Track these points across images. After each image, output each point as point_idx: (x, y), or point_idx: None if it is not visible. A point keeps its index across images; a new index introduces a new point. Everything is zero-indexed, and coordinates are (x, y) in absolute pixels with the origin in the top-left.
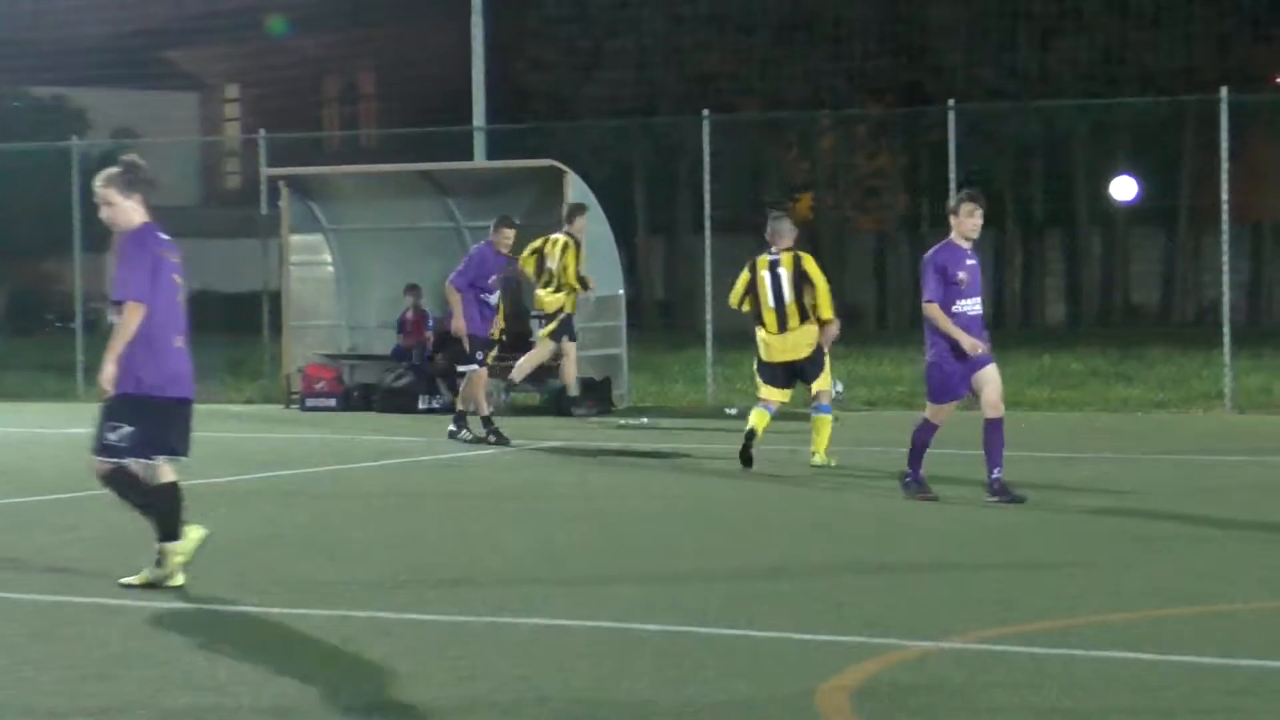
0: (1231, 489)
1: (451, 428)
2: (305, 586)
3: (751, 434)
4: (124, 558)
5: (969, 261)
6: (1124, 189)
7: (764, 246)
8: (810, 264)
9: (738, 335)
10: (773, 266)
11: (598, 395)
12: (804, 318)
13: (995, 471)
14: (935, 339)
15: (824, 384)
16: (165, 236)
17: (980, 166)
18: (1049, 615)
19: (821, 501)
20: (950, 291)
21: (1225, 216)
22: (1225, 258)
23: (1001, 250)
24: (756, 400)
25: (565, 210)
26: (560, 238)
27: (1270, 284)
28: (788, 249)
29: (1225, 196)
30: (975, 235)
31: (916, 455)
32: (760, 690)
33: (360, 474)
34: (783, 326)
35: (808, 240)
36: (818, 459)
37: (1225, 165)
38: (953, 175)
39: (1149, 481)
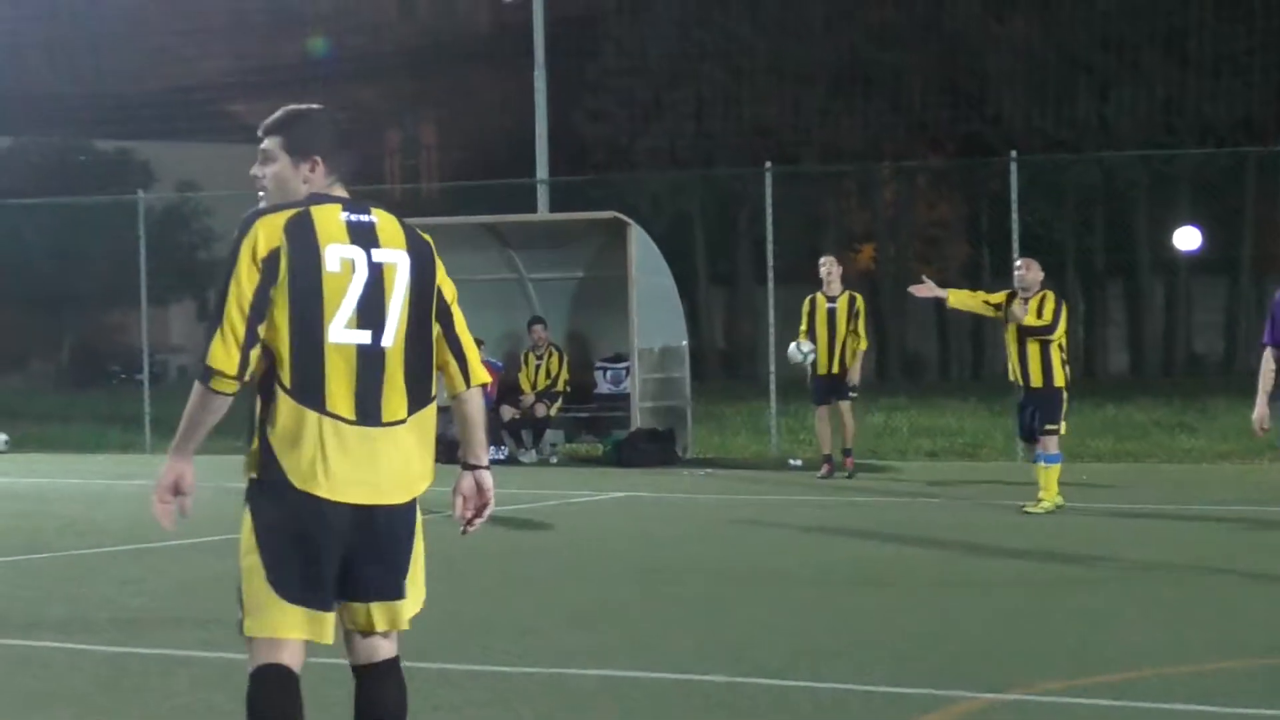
0: None
1: None
2: None
3: None
4: (190, 609)
5: None
6: (1186, 239)
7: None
8: None
9: (800, 386)
10: None
11: (661, 446)
12: None
13: None
14: None
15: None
16: None
17: (1041, 216)
18: (1112, 668)
19: (880, 553)
20: None
21: None
22: None
23: (1062, 300)
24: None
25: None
26: None
27: None
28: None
29: None
30: None
31: None
32: None
33: (424, 525)
34: None
35: (869, 290)
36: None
37: None
38: (1015, 225)
39: (1212, 533)
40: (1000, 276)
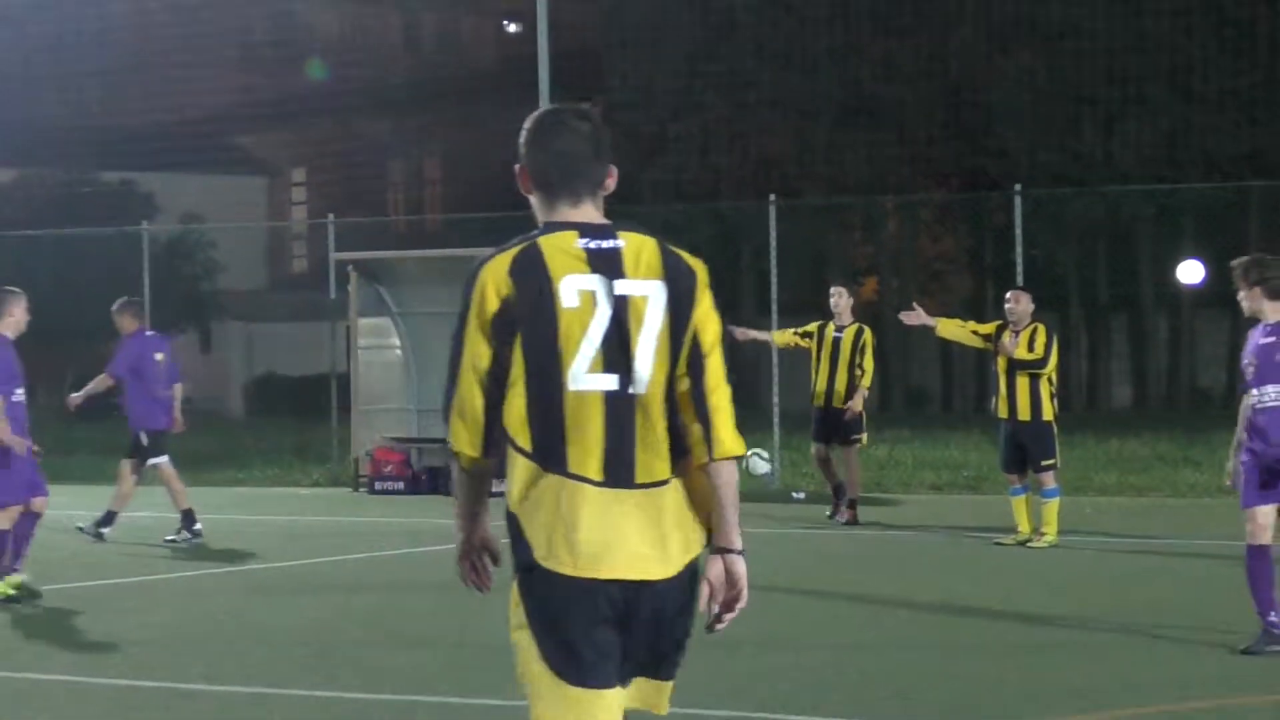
0: None
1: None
2: (376, 671)
3: None
4: (194, 643)
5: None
6: (1190, 273)
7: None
8: None
9: (803, 418)
10: None
11: None
12: None
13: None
14: None
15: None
16: None
17: (1045, 250)
18: (1120, 703)
19: (884, 587)
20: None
21: None
22: None
23: (1066, 334)
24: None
25: None
26: None
27: None
28: None
29: None
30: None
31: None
32: None
33: (430, 557)
34: None
35: (873, 323)
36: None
37: None
38: (1019, 259)
39: (1216, 568)
40: (1001, 311)
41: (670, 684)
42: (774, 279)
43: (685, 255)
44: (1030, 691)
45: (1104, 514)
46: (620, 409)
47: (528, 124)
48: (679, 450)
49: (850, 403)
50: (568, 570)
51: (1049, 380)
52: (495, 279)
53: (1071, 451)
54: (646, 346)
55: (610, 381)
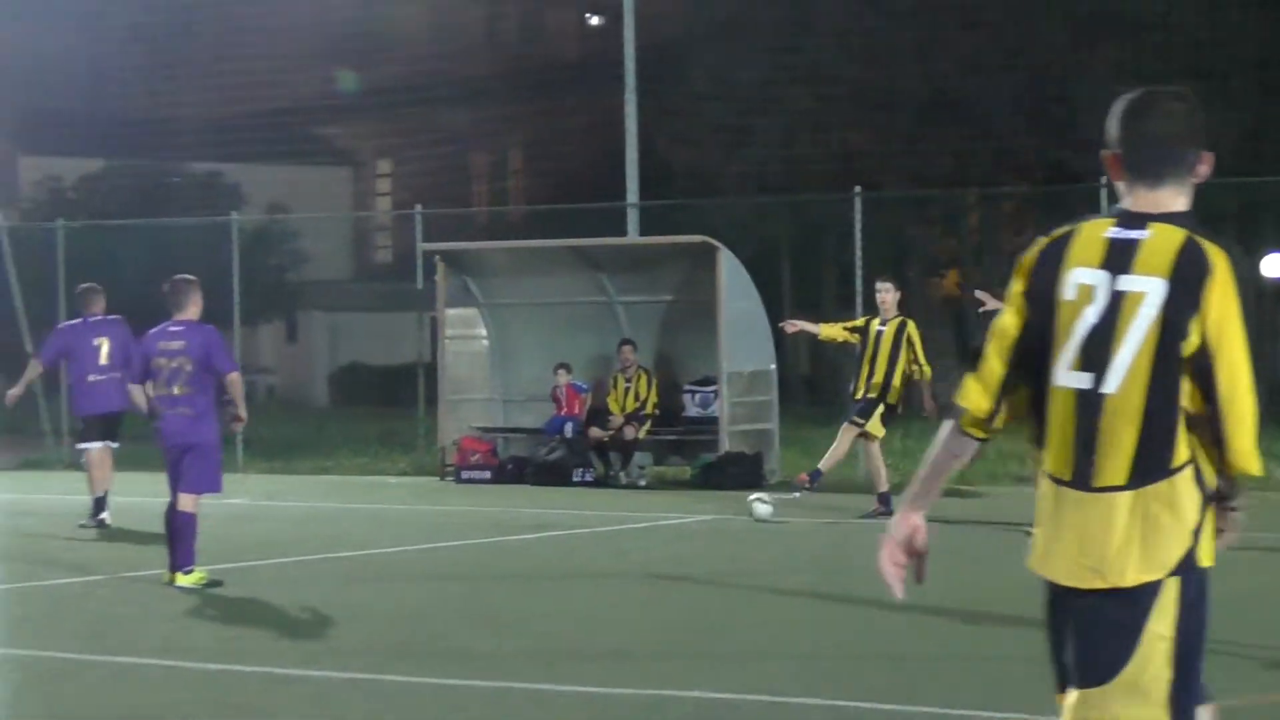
0: None
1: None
2: (464, 657)
3: None
4: (287, 629)
5: None
6: (1275, 266)
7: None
8: None
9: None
10: None
11: (749, 469)
12: None
13: None
14: None
15: None
16: None
17: None
18: None
19: (966, 575)
20: None
21: None
22: None
23: None
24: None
25: None
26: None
27: None
28: None
29: None
30: None
31: None
32: None
33: (516, 546)
34: None
35: (954, 317)
36: None
37: None
38: None
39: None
40: None
41: (1090, 691)
42: (859, 271)
43: (1210, 248)
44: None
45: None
46: (1088, 408)
47: (1117, 106)
48: (1154, 459)
49: (889, 391)
50: (1032, 565)
51: None
52: (1029, 259)
53: None
54: (1129, 347)
55: (1085, 380)
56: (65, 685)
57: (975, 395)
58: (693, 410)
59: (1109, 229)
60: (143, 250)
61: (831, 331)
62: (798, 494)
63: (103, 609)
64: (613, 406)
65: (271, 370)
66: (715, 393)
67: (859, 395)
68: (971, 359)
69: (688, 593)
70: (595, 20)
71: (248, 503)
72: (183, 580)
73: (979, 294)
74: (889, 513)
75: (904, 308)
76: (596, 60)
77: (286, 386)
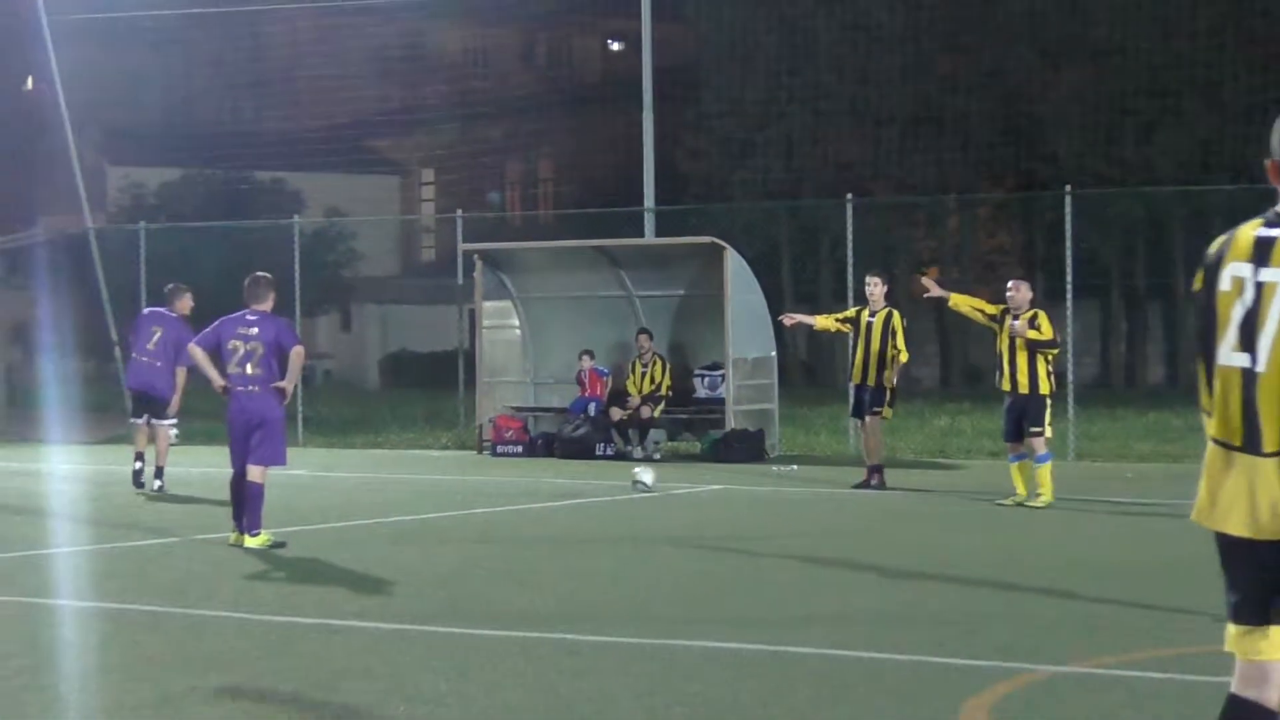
0: None
1: (160, 483)
2: (499, 611)
3: None
4: (344, 585)
5: None
6: None
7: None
8: None
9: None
10: None
11: (752, 445)
12: None
13: None
14: None
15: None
16: None
17: (1090, 244)
18: (1165, 643)
19: (947, 539)
20: None
21: None
22: None
23: (1108, 319)
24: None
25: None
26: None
27: None
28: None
29: None
30: None
31: None
32: (907, 709)
33: (545, 513)
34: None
35: (935, 310)
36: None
37: None
38: (1069, 252)
39: None
40: (1052, 299)
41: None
42: (850, 269)
43: None
44: (1083, 631)
45: (1143, 479)
46: (1250, 385)
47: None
48: None
49: (887, 372)
50: (1207, 523)
51: (1047, 359)
52: (1205, 260)
53: (1113, 423)
54: (1269, 331)
55: (1244, 359)
56: (148, 635)
57: (1203, 397)
58: (702, 392)
59: (1258, 229)
60: (216, 249)
61: (826, 323)
62: (794, 467)
63: (181, 567)
64: (631, 389)
65: (329, 356)
66: (722, 376)
67: (858, 381)
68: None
69: (697, 555)
70: (617, 46)
71: (308, 474)
72: (250, 542)
73: (924, 281)
74: (881, 485)
75: (890, 299)
76: (618, 81)
77: (342, 370)
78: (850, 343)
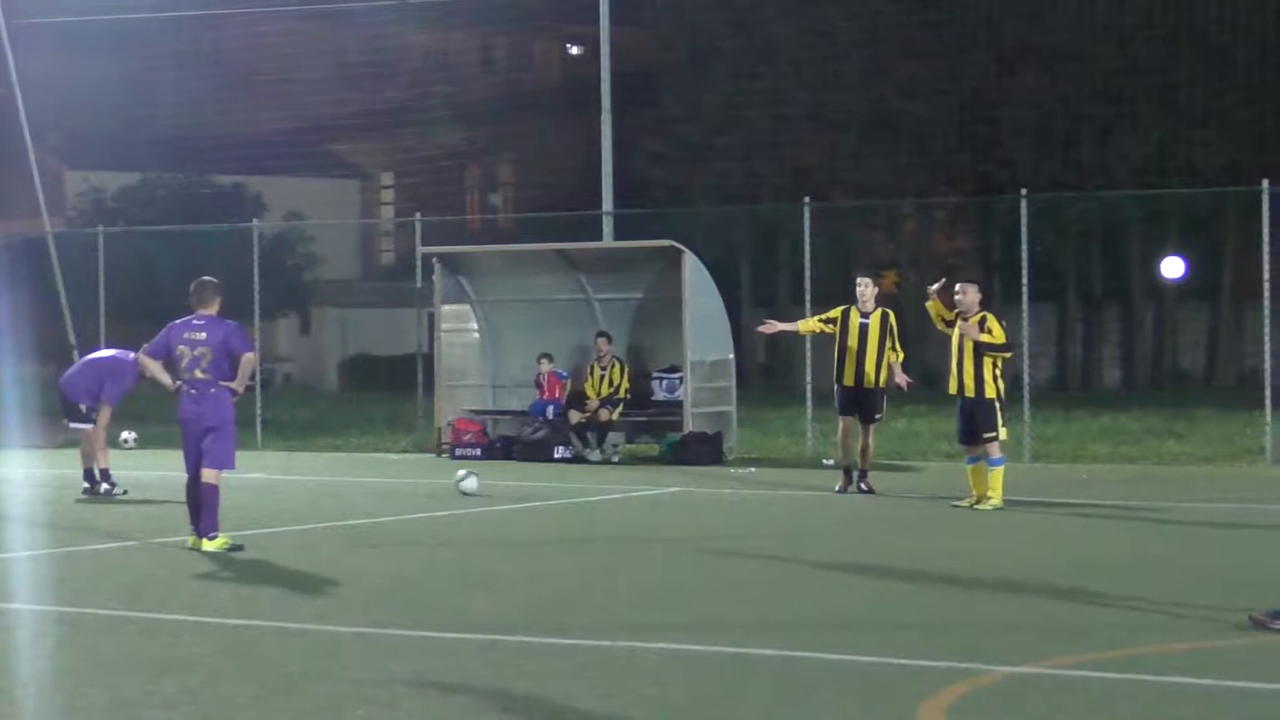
0: (1274, 530)
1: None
2: (458, 613)
3: None
4: (302, 588)
5: None
6: (1173, 268)
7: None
8: None
9: (832, 394)
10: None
11: (710, 447)
12: None
13: None
14: None
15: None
16: None
17: (1046, 248)
18: (1117, 644)
19: (905, 541)
20: None
21: (1267, 294)
22: (1267, 329)
23: (1064, 322)
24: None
25: None
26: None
27: None
28: None
29: (1267, 276)
30: None
31: None
32: (867, 710)
33: (504, 515)
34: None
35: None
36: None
37: (1267, 249)
38: (1024, 255)
39: (1200, 526)
40: (1009, 301)
41: None
42: (808, 273)
43: None
44: (1037, 632)
45: (1099, 480)
46: None
47: None
48: None
49: (897, 378)
50: None
51: (994, 364)
52: None
53: (1069, 425)
54: None
55: None
56: (104, 639)
57: None
58: (661, 395)
59: None
60: (175, 253)
61: (810, 325)
62: (752, 469)
63: (137, 570)
64: (590, 391)
65: (288, 359)
66: (680, 379)
67: (851, 383)
68: None
69: (656, 557)
70: (576, 50)
71: (266, 476)
72: (207, 545)
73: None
74: (866, 489)
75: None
76: (577, 85)
77: (301, 374)
78: (839, 344)
